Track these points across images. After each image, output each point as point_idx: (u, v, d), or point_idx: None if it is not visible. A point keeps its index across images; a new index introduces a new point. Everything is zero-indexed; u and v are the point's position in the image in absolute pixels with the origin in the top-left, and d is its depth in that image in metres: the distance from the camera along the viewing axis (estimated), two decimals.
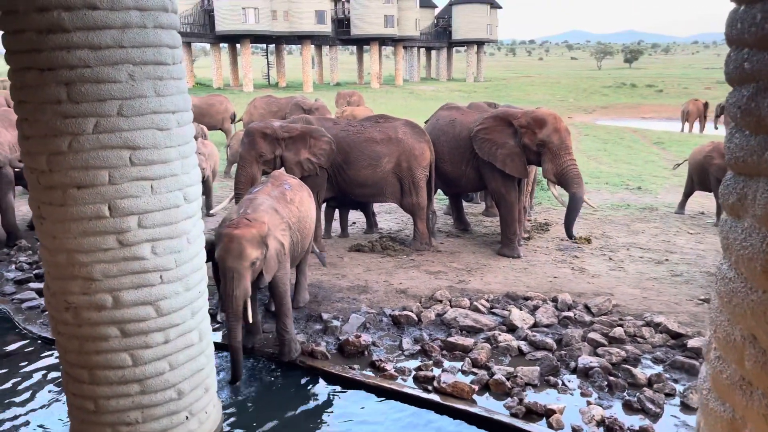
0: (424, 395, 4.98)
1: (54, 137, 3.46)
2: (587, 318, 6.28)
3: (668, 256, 8.34)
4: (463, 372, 5.36)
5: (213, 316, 6.23)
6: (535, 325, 6.20)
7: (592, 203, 9.07)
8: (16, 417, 4.86)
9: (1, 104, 11.24)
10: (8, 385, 5.36)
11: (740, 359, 1.43)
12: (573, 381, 5.20)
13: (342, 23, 48.13)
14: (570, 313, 6.35)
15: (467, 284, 7.34)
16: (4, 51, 3.55)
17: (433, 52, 60.97)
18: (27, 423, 4.79)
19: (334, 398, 5.16)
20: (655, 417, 4.66)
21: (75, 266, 3.60)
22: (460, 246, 8.94)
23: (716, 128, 24.22)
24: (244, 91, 38.68)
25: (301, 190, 6.15)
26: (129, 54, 3.49)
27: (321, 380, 5.39)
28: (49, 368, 5.61)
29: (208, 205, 10.54)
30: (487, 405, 4.84)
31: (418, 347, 5.81)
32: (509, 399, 4.89)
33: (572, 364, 5.40)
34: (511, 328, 6.11)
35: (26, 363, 5.75)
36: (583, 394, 5.01)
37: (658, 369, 5.35)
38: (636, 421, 4.61)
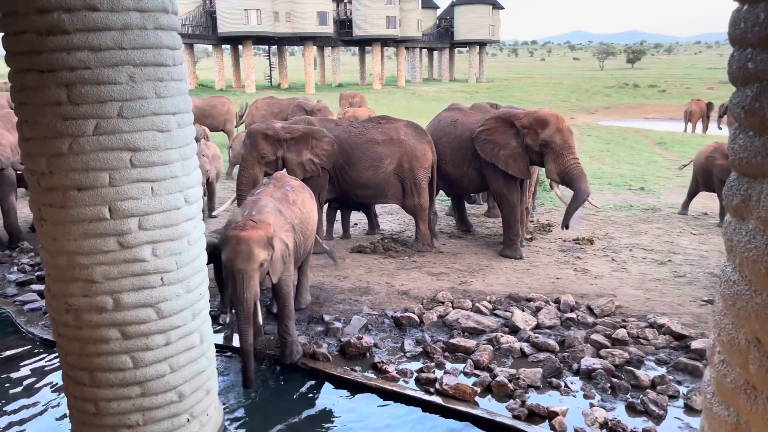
0: (426, 397, 4.96)
1: (54, 139, 3.45)
2: (590, 319, 6.25)
3: (671, 257, 8.31)
4: (465, 374, 5.35)
5: (214, 318, 6.23)
6: (537, 327, 6.18)
7: (595, 203, 9.05)
8: (16, 419, 4.85)
9: (3, 106, 11.25)
10: (9, 386, 5.36)
11: (744, 363, 1.41)
12: (576, 383, 5.18)
13: (344, 24, 48.19)
14: (573, 315, 6.33)
15: (469, 285, 7.32)
16: (4, 53, 3.54)
17: (436, 53, 61.00)
18: (28, 425, 4.79)
19: (335, 400, 5.14)
20: (659, 419, 4.63)
21: (75, 268, 3.59)
22: (462, 247, 8.92)
23: (720, 128, 24.16)
24: (247, 93, 38.73)
25: (302, 191, 6.15)
26: (129, 55, 3.48)
27: (322, 382, 5.37)
28: (51, 370, 5.61)
29: (210, 207, 10.55)
30: (489, 407, 4.82)
31: (419, 349, 5.79)
32: (511, 401, 4.87)
33: (575, 366, 5.38)
34: (514, 330, 6.08)
35: (28, 365, 5.75)
36: (585, 396, 4.98)
37: (662, 371, 5.33)
38: (639, 423, 4.58)
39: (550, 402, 4.86)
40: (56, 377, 5.42)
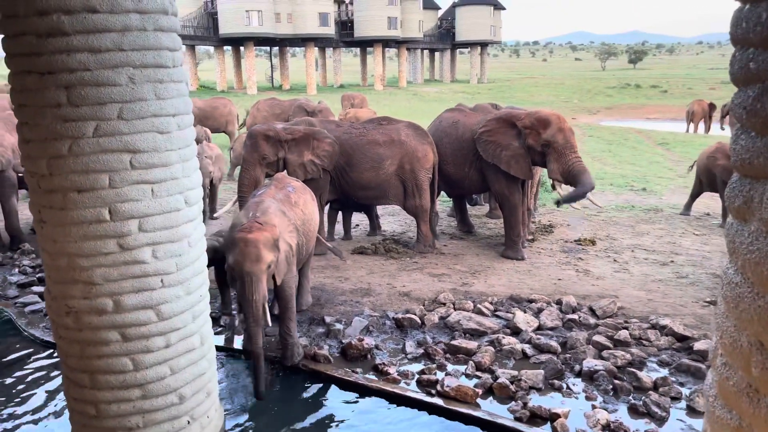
0: (428, 399, 4.95)
1: (54, 141, 3.45)
2: (592, 320, 6.24)
3: (674, 257, 8.29)
4: (467, 375, 5.33)
5: (215, 320, 6.23)
6: (539, 328, 6.16)
7: (598, 203, 9.03)
8: (17, 421, 4.85)
9: (4, 107, 11.26)
10: (10, 388, 5.36)
11: (747, 366, 1.40)
12: (578, 384, 5.16)
13: (345, 25, 48.24)
14: (574, 316, 6.31)
15: (471, 287, 7.30)
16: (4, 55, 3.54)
17: (437, 54, 61.00)
18: (28, 427, 4.79)
19: (336, 402, 5.13)
20: (661, 421, 4.61)
21: (75, 270, 3.59)
22: (464, 248, 8.91)
23: (723, 129, 24.13)
24: (248, 94, 38.78)
25: (304, 192, 6.15)
26: (129, 57, 3.48)
27: (323, 384, 5.36)
28: (51, 372, 5.61)
29: (212, 209, 10.53)
30: (490, 409, 4.81)
31: (421, 350, 5.78)
32: (513, 403, 4.85)
33: (577, 368, 5.36)
34: (515, 331, 6.07)
35: (28, 367, 5.75)
36: (588, 398, 4.97)
37: (664, 372, 5.30)
38: (642, 425, 4.56)
39: (552, 404, 4.84)
40: (57, 379, 5.42)
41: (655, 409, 4.67)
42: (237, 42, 42.77)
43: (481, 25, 53.41)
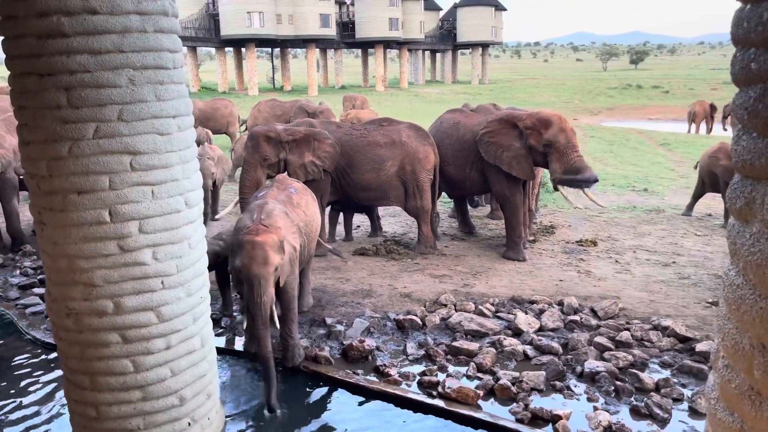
0: (429, 401, 4.93)
1: (54, 142, 3.45)
2: (593, 322, 6.22)
3: (675, 258, 8.27)
4: (468, 377, 5.32)
5: (215, 321, 6.22)
6: (540, 329, 6.14)
7: (601, 203, 9.01)
8: (17, 422, 4.85)
9: (6, 109, 11.28)
10: (11, 390, 5.36)
11: (749, 368, 1.39)
12: (579, 386, 5.15)
13: (347, 26, 48.28)
14: (576, 317, 6.30)
15: (472, 288, 7.29)
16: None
17: (438, 55, 61.03)
18: (29, 429, 4.78)
19: (337, 404, 5.13)
20: (663, 422, 4.60)
21: (76, 272, 3.58)
22: (465, 249, 8.90)
23: (725, 129, 24.10)
24: (249, 95, 38.82)
25: (305, 193, 6.14)
26: (129, 58, 3.47)
27: (325, 385, 5.35)
28: (52, 374, 5.60)
29: (214, 210, 10.52)
30: (492, 410, 4.80)
31: (422, 352, 5.77)
32: (515, 404, 4.84)
33: (578, 369, 5.34)
34: (517, 333, 6.05)
35: (29, 368, 5.75)
36: (589, 399, 4.95)
37: (666, 373, 5.29)
38: (643, 426, 4.55)
39: (554, 405, 4.83)
40: (58, 381, 5.42)
41: (656, 410, 4.66)
42: (238, 43, 42.84)
43: (483, 26, 53.43)
